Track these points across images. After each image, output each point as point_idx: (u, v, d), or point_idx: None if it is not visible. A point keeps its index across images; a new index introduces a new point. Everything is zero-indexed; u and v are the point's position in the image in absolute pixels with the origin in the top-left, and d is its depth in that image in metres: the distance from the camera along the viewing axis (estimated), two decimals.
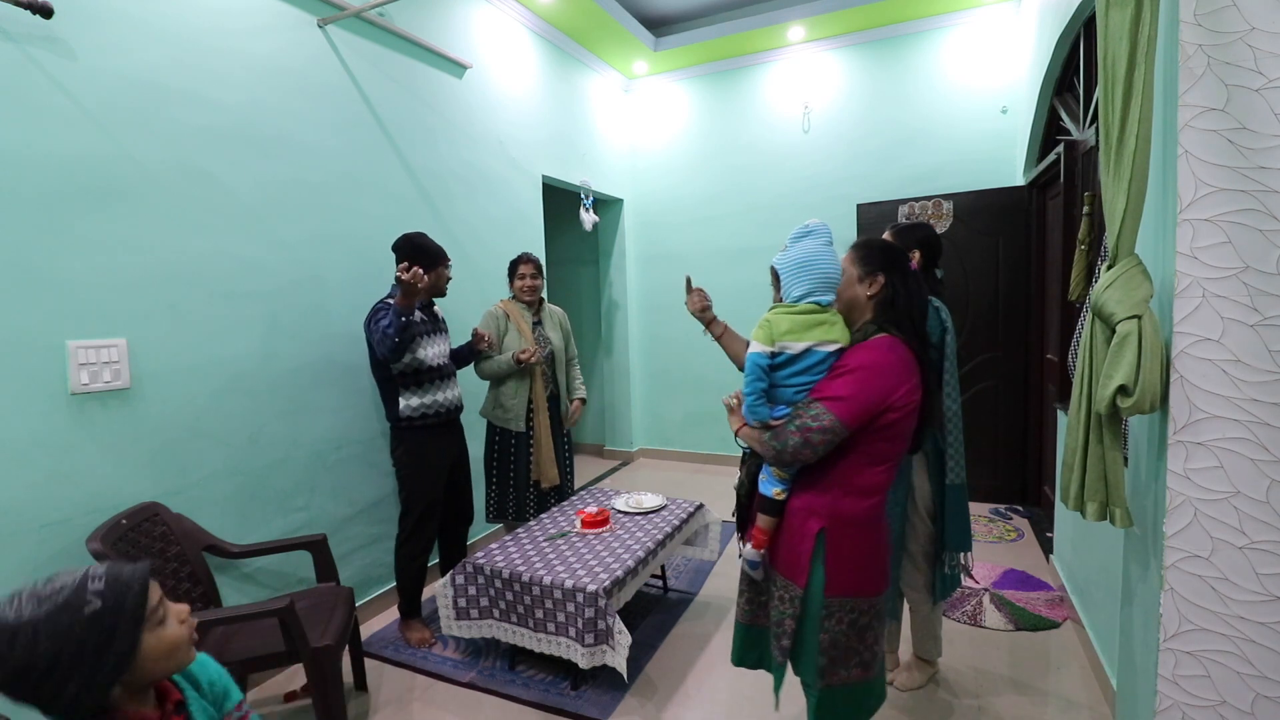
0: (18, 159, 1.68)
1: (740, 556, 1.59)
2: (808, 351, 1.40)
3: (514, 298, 2.97)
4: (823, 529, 1.39)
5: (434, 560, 2.90)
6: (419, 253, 2.41)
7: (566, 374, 3.05)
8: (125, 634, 0.82)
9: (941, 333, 1.92)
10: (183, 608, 0.92)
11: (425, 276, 2.22)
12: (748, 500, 1.57)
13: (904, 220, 3.95)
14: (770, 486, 1.47)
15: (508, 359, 2.78)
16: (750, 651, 1.62)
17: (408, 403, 2.43)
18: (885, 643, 1.50)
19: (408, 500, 2.50)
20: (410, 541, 2.48)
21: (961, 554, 2.03)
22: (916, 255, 1.98)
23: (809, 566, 1.40)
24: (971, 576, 2.18)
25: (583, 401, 3.09)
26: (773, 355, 1.42)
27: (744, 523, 1.61)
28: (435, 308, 2.62)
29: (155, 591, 0.88)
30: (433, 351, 2.47)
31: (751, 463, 1.57)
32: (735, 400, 1.59)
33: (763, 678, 2.20)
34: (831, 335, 1.42)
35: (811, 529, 1.40)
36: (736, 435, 1.54)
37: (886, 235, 2.05)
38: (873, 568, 1.43)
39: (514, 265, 2.96)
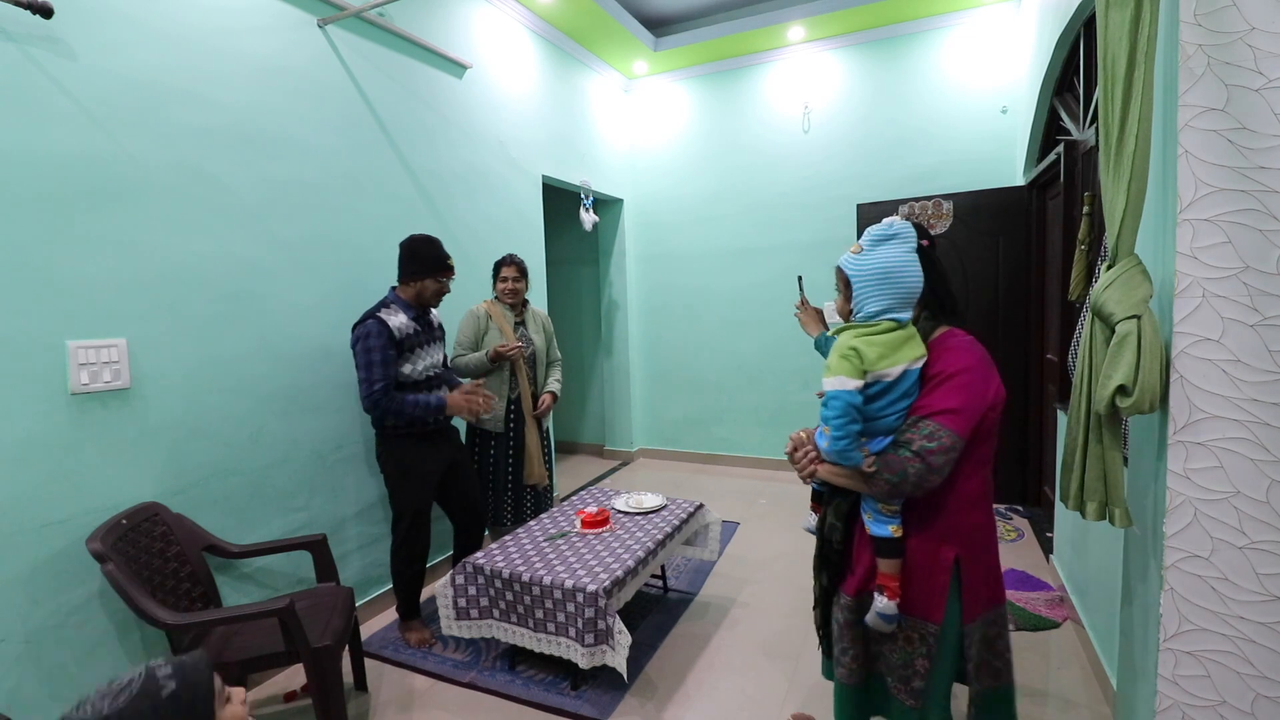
0: (18, 159, 1.68)
1: (842, 608, 1.42)
2: (904, 374, 1.24)
3: (496, 299, 2.96)
4: (958, 556, 1.28)
5: (441, 558, 2.90)
6: (409, 258, 2.40)
7: (546, 374, 3.04)
8: (203, 709, 0.85)
9: None
10: (240, 690, 0.95)
11: (494, 403, 2.45)
12: (842, 546, 1.42)
13: None
14: (885, 525, 1.30)
15: (481, 356, 2.76)
16: (864, 708, 1.45)
17: None
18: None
19: (397, 508, 2.48)
20: (404, 547, 2.46)
21: None
22: None
23: (945, 600, 1.29)
24: None
25: (554, 396, 2.99)
26: (865, 388, 1.24)
27: (839, 571, 1.46)
28: (431, 314, 2.55)
29: (217, 675, 0.92)
30: (423, 365, 2.41)
31: (840, 502, 1.42)
32: (805, 438, 1.40)
33: (763, 678, 2.20)
34: (919, 351, 1.28)
35: (946, 558, 1.29)
36: (811, 477, 1.38)
37: None
38: (998, 575, 1.35)
39: (497, 267, 2.95)
